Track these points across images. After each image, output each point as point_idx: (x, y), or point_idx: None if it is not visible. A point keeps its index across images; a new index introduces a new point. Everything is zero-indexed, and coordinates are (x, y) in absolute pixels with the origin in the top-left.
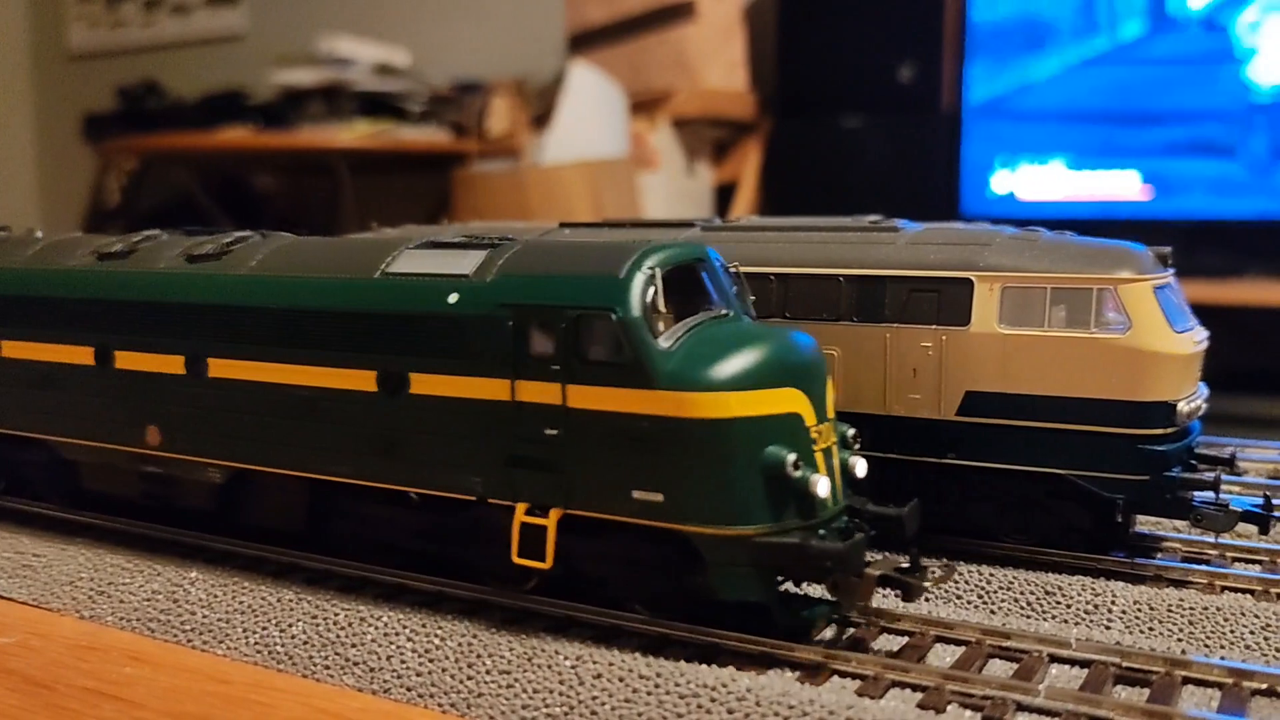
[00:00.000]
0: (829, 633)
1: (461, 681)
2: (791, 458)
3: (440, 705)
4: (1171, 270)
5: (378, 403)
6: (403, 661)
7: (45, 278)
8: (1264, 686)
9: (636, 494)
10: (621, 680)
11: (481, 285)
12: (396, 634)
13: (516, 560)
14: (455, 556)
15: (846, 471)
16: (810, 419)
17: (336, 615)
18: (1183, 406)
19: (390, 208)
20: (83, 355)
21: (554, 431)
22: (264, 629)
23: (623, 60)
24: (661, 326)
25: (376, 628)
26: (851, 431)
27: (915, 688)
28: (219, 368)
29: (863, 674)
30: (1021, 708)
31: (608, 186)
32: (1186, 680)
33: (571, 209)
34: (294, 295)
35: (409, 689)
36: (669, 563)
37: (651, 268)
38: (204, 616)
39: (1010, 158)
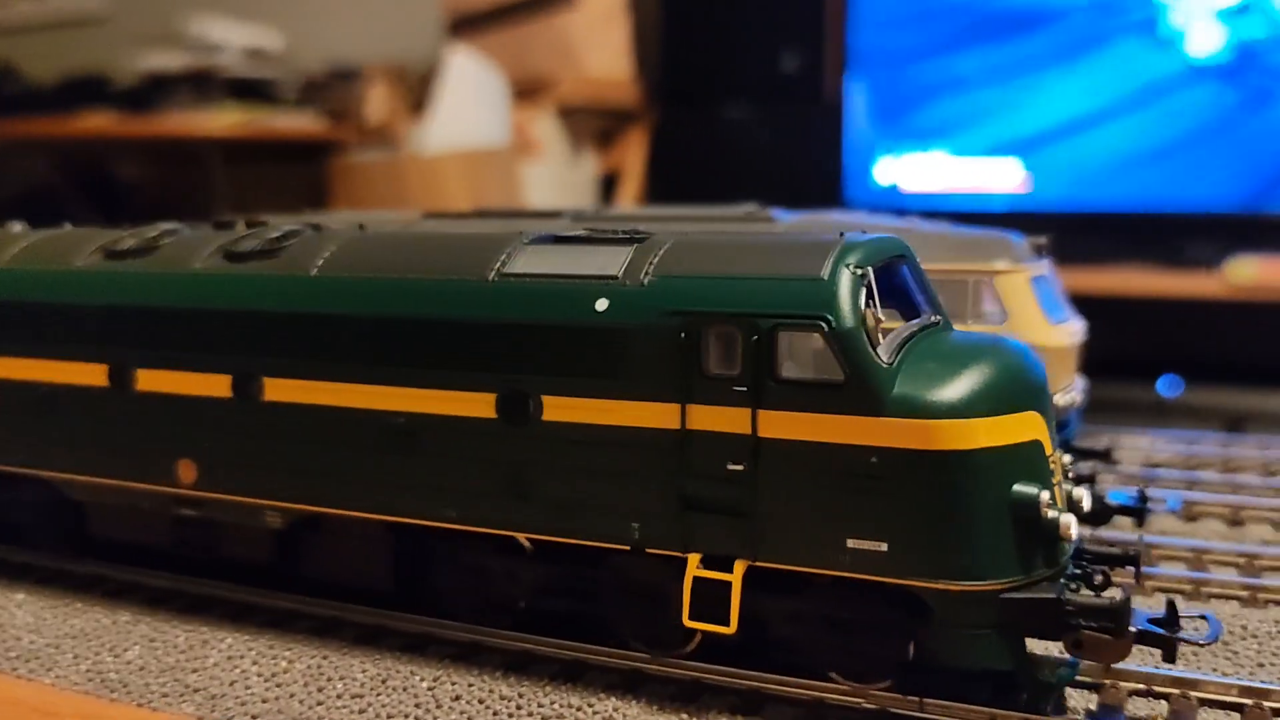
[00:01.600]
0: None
1: (310, 707)
2: (1045, 496)
3: None
4: (1048, 260)
5: (498, 432)
6: (247, 687)
7: (37, 281)
8: None
9: (852, 543)
10: (482, 702)
11: (638, 289)
12: (241, 657)
13: (688, 623)
14: (590, 616)
15: (1073, 506)
16: (1049, 447)
17: (176, 638)
18: (1059, 400)
19: (264, 198)
20: (92, 374)
21: (739, 466)
22: (97, 654)
23: (504, 47)
24: (879, 338)
25: (220, 650)
26: (1068, 458)
27: None
28: (278, 389)
29: None
30: None
31: (489, 176)
32: None
33: (452, 199)
34: (383, 301)
35: (254, 716)
36: (885, 625)
37: (860, 266)
38: (30, 642)
39: (893, 147)
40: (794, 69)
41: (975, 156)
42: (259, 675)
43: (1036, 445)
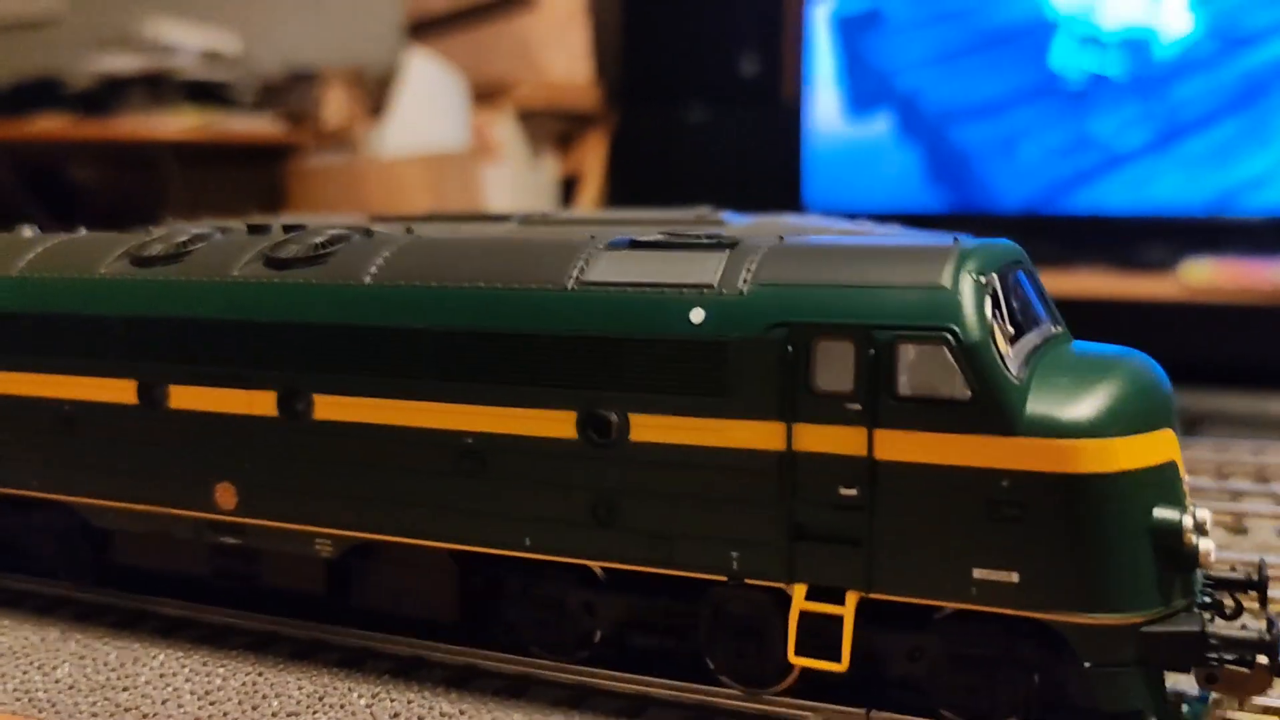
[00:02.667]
0: None
1: None
2: (1189, 521)
3: None
4: None
5: (579, 453)
6: (180, 705)
7: (56, 289)
8: None
9: (979, 573)
10: (421, 719)
11: (737, 299)
12: (174, 674)
13: (794, 660)
14: (678, 650)
15: (1199, 527)
16: (1182, 467)
17: (108, 655)
18: None
19: (220, 201)
20: (119, 391)
21: (852, 491)
22: (25, 673)
23: (464, 49)
24: (1008, 351)
25: (152, 668)
26: (1186, 477)
27: None
28: (329, 407)
29: None
30: None
31: (449, 179)
32: None
33: (411, 202)
34: (448, 312)
35: None
36: (1010, 661)
37: (983, 273)
38: None
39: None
40: (753, 72)
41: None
42: (192, 693)
43: (1173, 466)
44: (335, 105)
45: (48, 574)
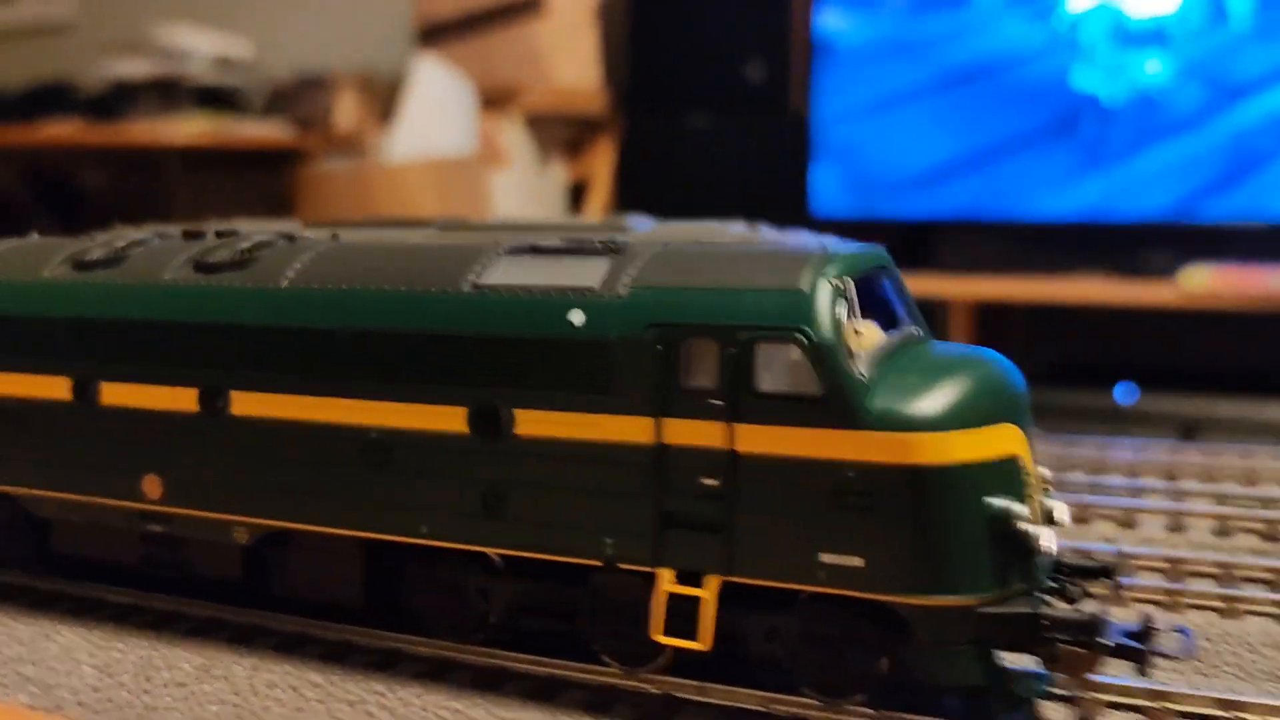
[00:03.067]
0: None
1: (137, 695)
2: (1024, 510)
3: None
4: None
5: (469, 447)
6: (80, 677)
7: (2, 292)
8: None
9: (826, 557)
10: (294, 689)
11: (616, 301)
12: (77, 649)
13: (659, 639)
14: (563, 632)
15: (1047, 518)
16: (1027, 461)
17: (19, 633)
18: None
19: (230, 207)
20: (55, 388)
21: (714, 482)
22: None
23: (472, 55)
24: (859, 351)
25: (58, 643)
26: (1048, 473)
27: None
28: (246, 403)
29: None
30: None
31: (456, 185)
32: None
33: (418, 207)
34: (354, 313)
35: (82, 704)
36: (857, 640)
37: (839, 278)
38: None
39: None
40: (760, 79)
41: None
42: (92, 666)
43: (1014, 460)
44: (345, 111)
45: None
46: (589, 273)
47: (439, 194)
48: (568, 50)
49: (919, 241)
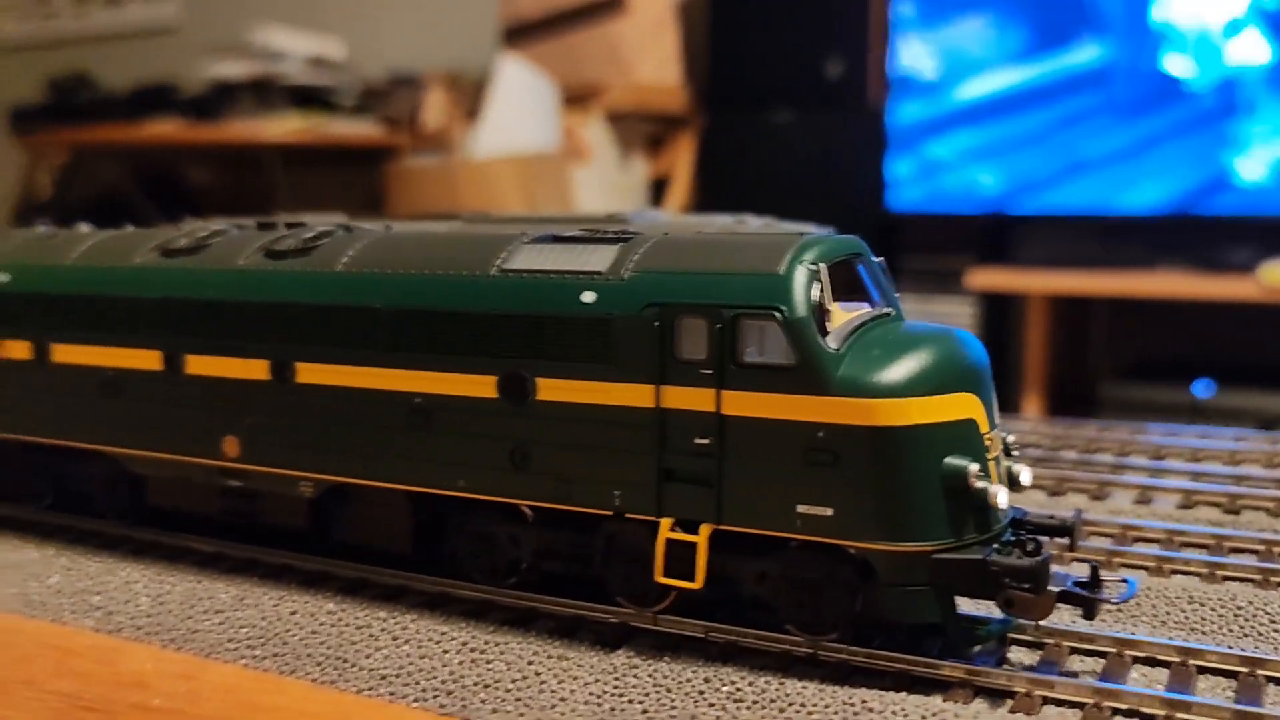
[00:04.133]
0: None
1: (182, 620)
2: (974, 468)
3: (162, 641)
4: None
5: (498, 410)
6: (136, 605)
7: (102, 276)
8: None
9: (802, 508)
10: (312, 615)
11: (620, 283)
12: (135, 582)
13: (661, 580)
14: (583, 576)
15: (1012, 480)
16: (984, 426)
17: (89, 567)
18: None
19: (323, 201)
20: (149, 360)
21: (706, 441)
22: (25, 581)
23: (556, 54)
24: (829, 327)
25: (119, 578)
26: (1012, 438)
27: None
28: (310, 373)
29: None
30: None
31: (539, 180)
32: None
33: (503, 203)
34: (399, 294)
35: (138, 628)
36: (834, 583)
37: (814, 262)
38: None
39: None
40: (838, 76)
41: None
42: (147, 596)
43: (970, 424)
44: (434, 108)
45: (98, 514)
46: (599, 259)
47: (522, 189)
48: (649, 48)
49: (996, 236)
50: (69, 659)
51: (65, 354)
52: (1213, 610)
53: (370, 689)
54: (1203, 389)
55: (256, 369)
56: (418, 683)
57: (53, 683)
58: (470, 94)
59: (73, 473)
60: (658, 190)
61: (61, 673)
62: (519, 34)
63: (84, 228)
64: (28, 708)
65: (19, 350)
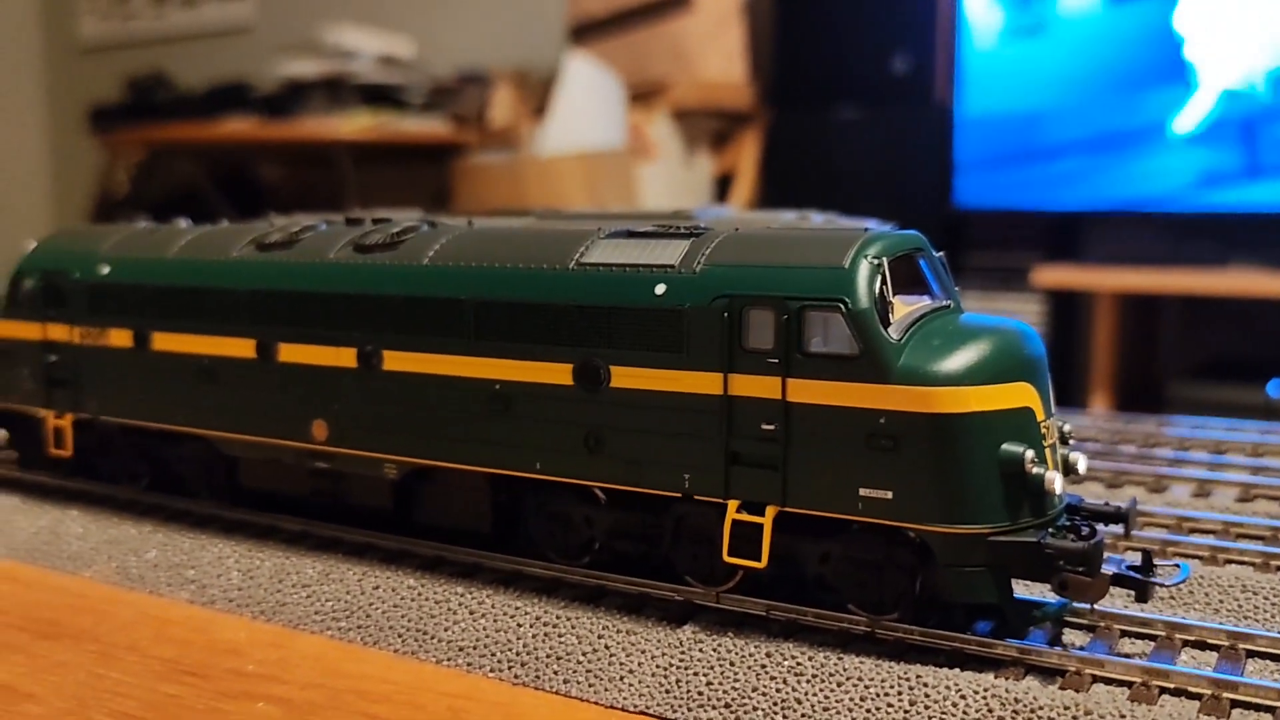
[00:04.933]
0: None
1: (271, 594)
2: (1029, 454)
3: (252, 613)
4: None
5: (574, 397)
6: (228, 580)
7: (200, 269)
8: None
9: (864, 491)
10: (393, 589)
11: (691, 276)
12: (227, 558)
13: (727, 560)
14: (654, 556)
15: (1068, 467)
16: (1040, 414)
17: (183, 543)
18: None
19: (392, 198)
20: (243, 348)
21: (771, 427)
22: (124, 556)
23: (622, 51)
24: (891, 318)
25: (212, 553)
26: (1068, 427)
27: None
28: (396, 361)
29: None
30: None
31: (605, 177)
32: None
33: (569, 200)
34: (480, 286)
35: (230, 600)
36: (894, 564)
37: (877, 257)
38: (78, 546)
39: (1004, 148)
40: (905, 71)
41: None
42: (239, 571)
43: (1027, 412)
44: (502, 106)
45: (192, 494)
46: (671, 253)
47: (588, 186)
48: (715, 45)
49: (1065, 233)
50: (167, 628)
51: (165, 342)
52: (1265, 599)
53: (448, 660)
54: (1276, 389)
55: (345, 357)
56: (493, 654)
57: (154, 649)
58: (537, 91)
59: (169, 455)
60: (722, 187)
61: (161, 640)
62: (586, 32)
63: (182, 223)
64: (132, 671)
65: (120, 338)
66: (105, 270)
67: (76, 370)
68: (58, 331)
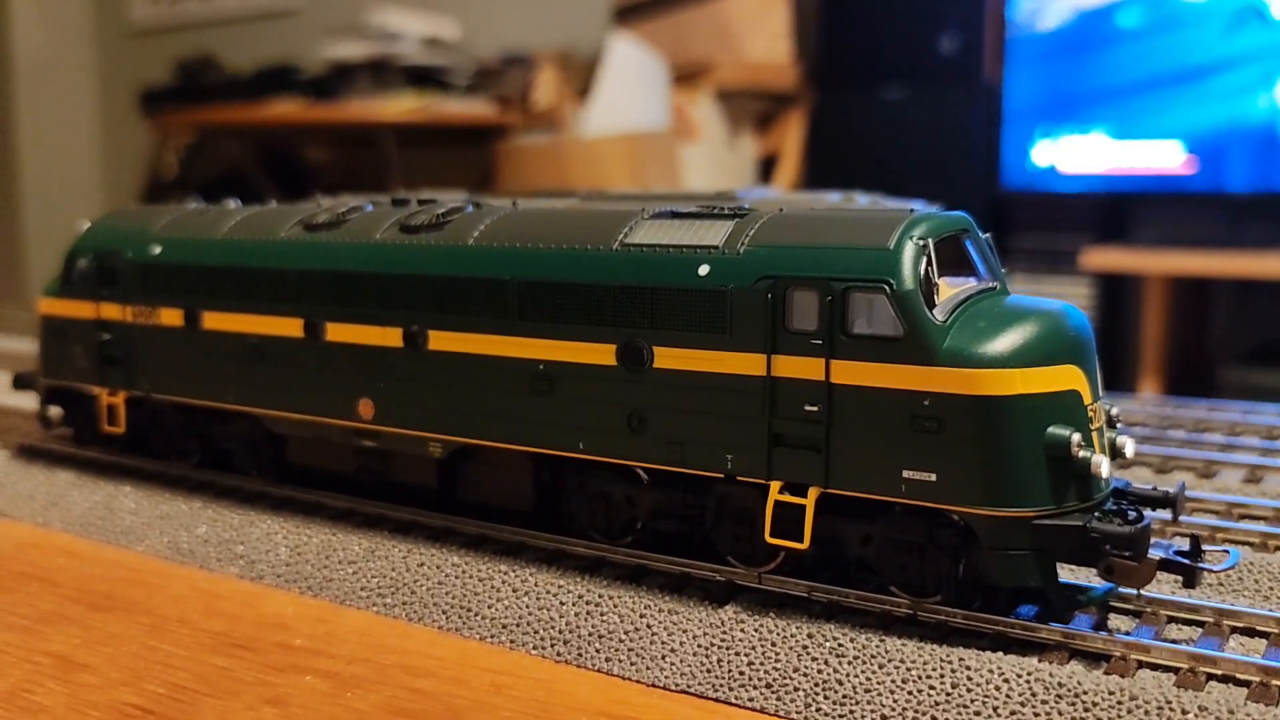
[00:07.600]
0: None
1: (318, 569)
2: (1076, 437)
3: (299, 588)
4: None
5: (617, 377)
6: (276, 555)
7: (249, 249)
8: None
9: (907, 473)
10: (438, 567)
11: (735, 257)
12: (275, 534)
13: (769, 540)
14: (695, 535)
15: (1115, 451)
16: (1087, 397)
17: (232, 519)
18: None
19: (435, 179)
20: (291, 327)
21: (815, 408)
22: (175, 531)
23: (666, 32)
24: (936, 300)
25: (260, 529)
26: (1116, 410)
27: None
28: (441, 340)
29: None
30: None
31: (648, 158)
32: None
33: (612, 181)
34: (524, 267)
35: (278, 575)
36: (937, 546)
37: (922, 238)
38: (130, 521)
39: (1052, 128)
40: (952, 51)
41: (1135, 142)
42: (286, 547)
43: (1073, 394)
44: (546, 87)
45: (241, 471)
46: (715, 234)
47: (631, 167)
48: (759, 26)
49: (1114, 214)
50: (217, 602)
51: (214, 321)
52: None
53: (492, 636)
54: None
55: (391, 336)
56: (536, 632)
57: (204, 622)
58: (581, 73)
59: (219, 432)
60: (766, 168)
61: (211, 613)
62: (630, 12)
63: (231, 204)
64: (183, 643)
65: (171, 317)
66: (157, 250)
67: (129, 348)
68: (111, 310)
